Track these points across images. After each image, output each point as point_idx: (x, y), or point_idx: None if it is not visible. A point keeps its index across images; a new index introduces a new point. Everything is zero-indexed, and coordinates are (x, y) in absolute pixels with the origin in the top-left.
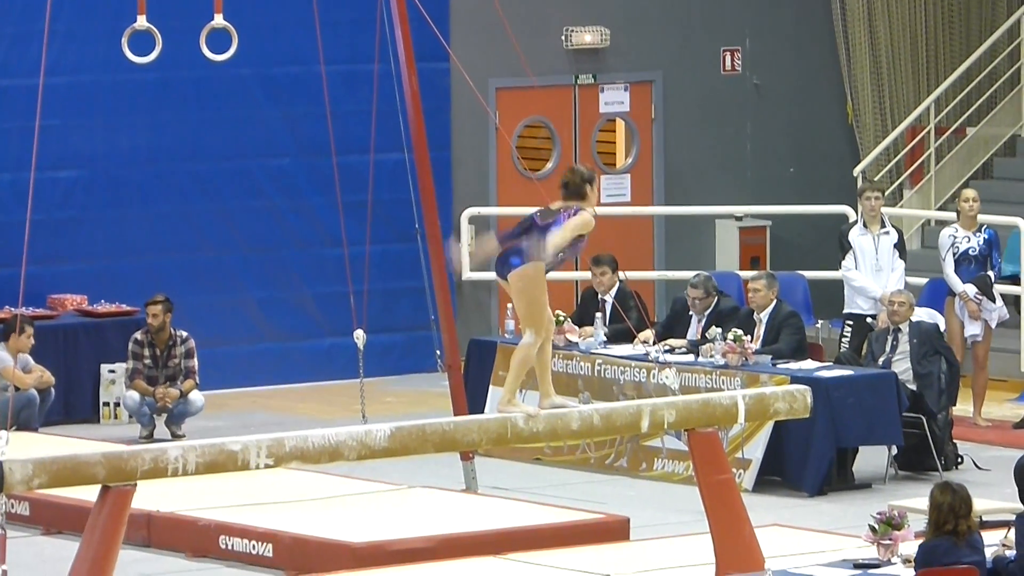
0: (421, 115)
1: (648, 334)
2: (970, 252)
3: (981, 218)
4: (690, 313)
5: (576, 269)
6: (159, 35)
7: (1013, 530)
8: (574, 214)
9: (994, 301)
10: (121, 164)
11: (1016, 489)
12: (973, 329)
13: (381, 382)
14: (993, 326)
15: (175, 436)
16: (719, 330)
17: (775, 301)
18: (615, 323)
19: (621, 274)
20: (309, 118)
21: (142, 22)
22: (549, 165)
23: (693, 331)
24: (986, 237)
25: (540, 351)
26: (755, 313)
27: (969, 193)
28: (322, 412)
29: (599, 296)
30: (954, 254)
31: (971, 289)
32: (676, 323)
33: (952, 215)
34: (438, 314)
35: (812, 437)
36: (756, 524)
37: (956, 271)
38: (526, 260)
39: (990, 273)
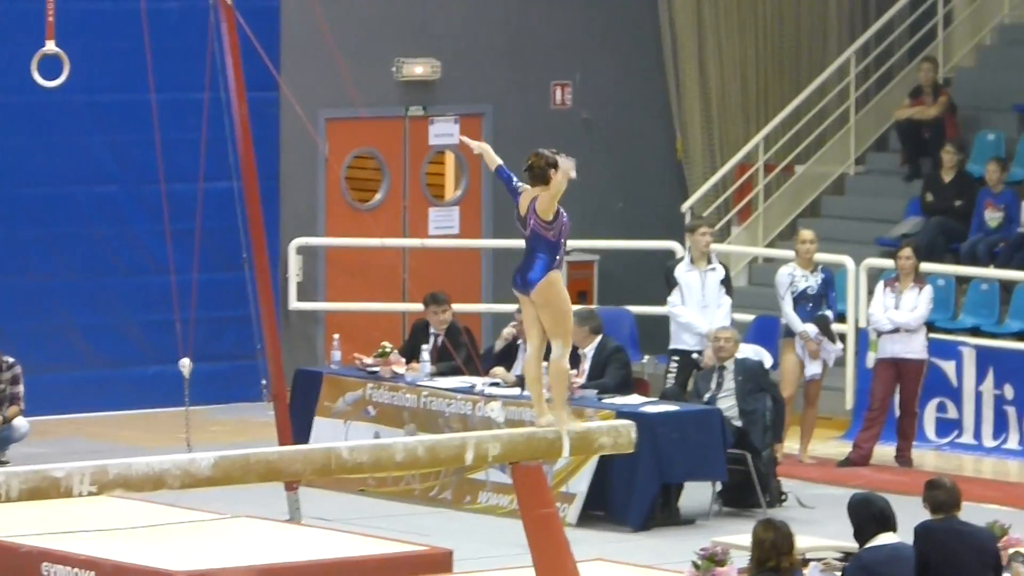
0: (250, 144)
1: (501, 371)
2: (808, 291)
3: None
4: (517, 343)
5: (404, 300)
6: None
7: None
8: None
9: (834, 341)
10: None
11: (846, 527)
12: (814, 368)
13: (206, 411)
14: (831, 365)
15: None
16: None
17: (599, 336)
18: (445, 359)
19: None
20: (137, 146)
21: None
22: (378, 196)
23: (519, 365)
24: (823, 276)
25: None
26: (579, 348)
27: (807, 234)
28: (147, 440)
29: (429, 329)
30: (792, 293)
31: (812, 329)
32: (503, 356)
33: (779, 252)
34: (264, 343)
35: (637, 472)
36: (579, 558)
37: (794, 309)
38: (546, 268)
39: (828, 312)
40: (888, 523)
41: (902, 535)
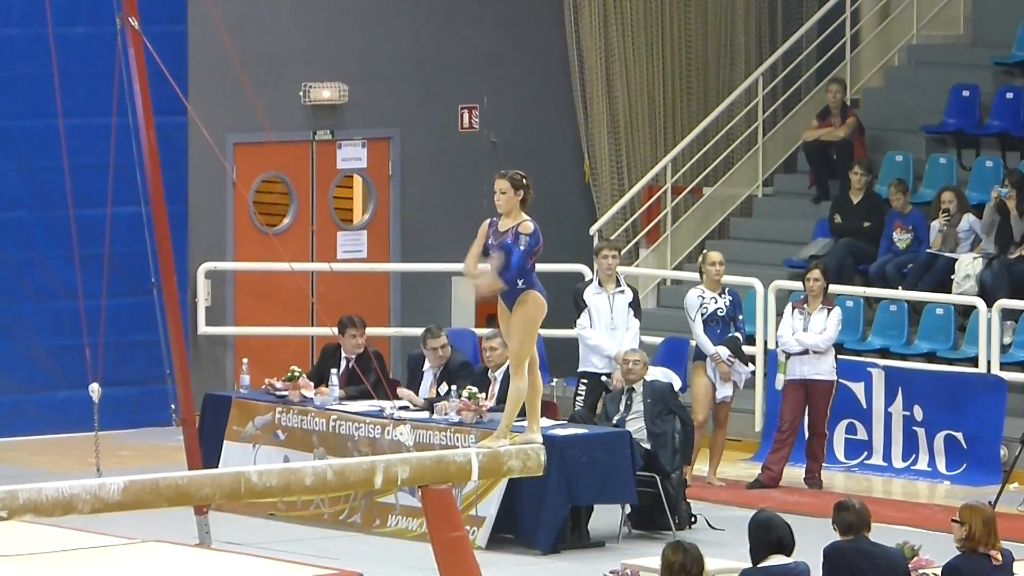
0: (158, 169)
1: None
2: (718, 313)
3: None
4: (423, 369)
5: (312, 324)
6: None
7: None
8: (514, 229)
9: (745, 364)
10: None
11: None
12: (725, 391)
13: (116, 435)
14: (741, 387)
15: None
16: (454, 387)
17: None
18: (354, 383)
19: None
20: (46, 171)
21: None
22: (286, 220)
23: (427, 388)
24: (731, 299)
25: (531, 385)
26: (490, 371)
27: (715, 256)
28: (56, 465)
29: (340, 352)
30: (703, 315)
31: (723, 351)
32: (411, 380)
33: (687, 275)
34: (173, 368)
35: (546, 495)
36: None
37: (704, 331)
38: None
39: (738, 334)
40: (785, 549)
41: (812, 556)
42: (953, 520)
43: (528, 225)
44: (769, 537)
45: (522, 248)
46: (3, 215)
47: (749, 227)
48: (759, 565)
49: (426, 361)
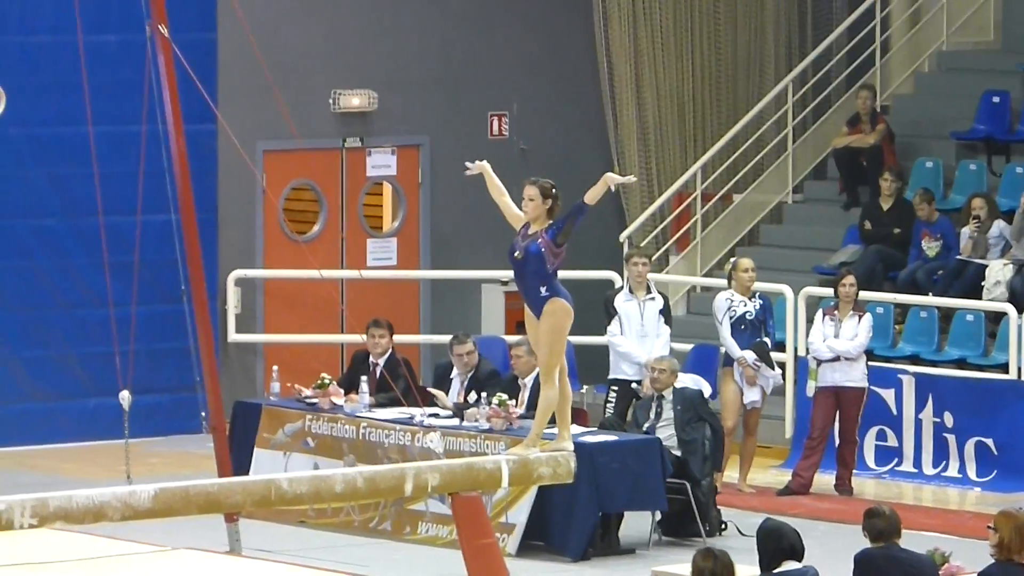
0: (188, 176)
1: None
2: (747, 317)
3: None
4: (451, 377)
5: (342, 332)
6: None
7: None
8: (546, 232)
9: (772, 368)
10: None
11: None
12: (752, 396)
13: (146, 443)
14: (768, 392)
15: None
16: (484, 395)
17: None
18: (384, 390)
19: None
20: (76, 179)
21: None
22: (316, 228)
23: (455, 395)
24: (761, 303)
25: (561, 393)
26: (519, 378)
27: (746, 263)
28: (87, 472)
29: (370, 359)
30: (731, 318)
31: (750, 355)
32: (440, 388)
33: (717, 282)
34: (203, 375)
35: (576, 502)
36: None
37: (731, 336)
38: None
39: (766, 339)
40: (796, 555)
41: (843, 564)
42: (988, 527)
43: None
44: (782, 544)
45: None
46: (34, 222)
47: (779, 234)
48: (774, 571)
49: (453, 369)
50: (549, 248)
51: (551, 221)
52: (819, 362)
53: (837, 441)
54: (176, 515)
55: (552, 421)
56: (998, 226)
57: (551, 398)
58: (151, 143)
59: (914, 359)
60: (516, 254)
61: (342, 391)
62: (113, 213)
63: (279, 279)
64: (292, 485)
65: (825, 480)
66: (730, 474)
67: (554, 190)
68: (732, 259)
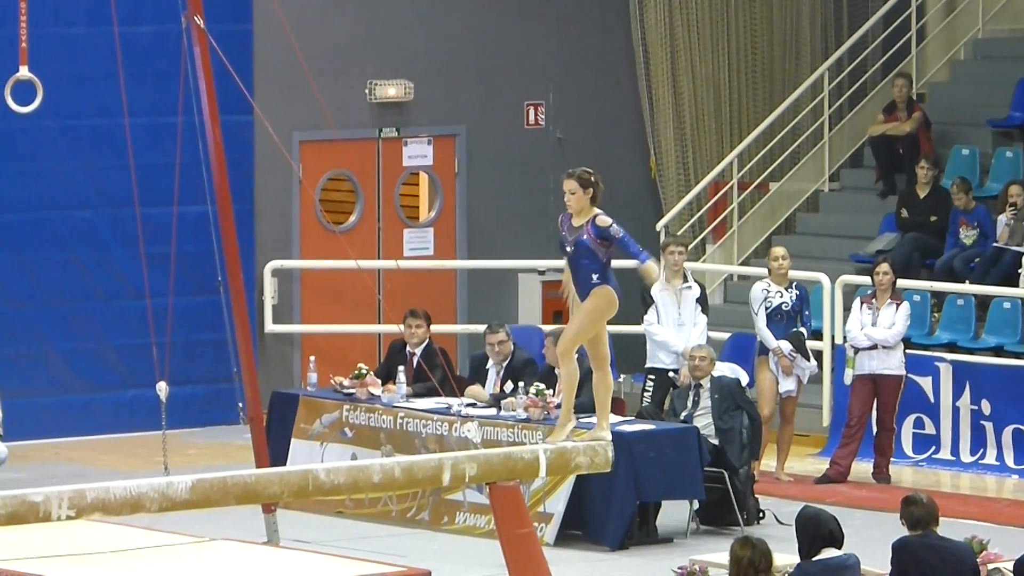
0: (224, 168)
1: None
2: (783, 307)
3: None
4: (486, 367)
5: (379, 322)
6: None
7: None
8: (590, 224)
9: (808, 359)
10: None
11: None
12: (788, 385)
13: (183, 434)
14: (805, 382)
15: None
16: (521, 384)
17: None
18: (421, 380)
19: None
20: (113, 170)
21: None
22: (352, 218)
23: (491, 385)
24: (798, 293)
25: (602, 383)
26: (555, 368)
27: (779, 251)
28: (124, 464)
29: (407, 349)
30: (766, 308)
31: (785, 346)
32: (476, 378)
33: (754, 270)
34: (240, 366)
35: (614, 491)
36: None
37: (767, 326)
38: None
39: (802, 329)
40: (836, 542)
41: (881, 551)
42: None
43: (604, 219)
44: (821, 531)
45: (620, 235)
46: (70, 214)
47: (816, 222)
48: (814, 559)
49: (488, 359)
50: (595, 242)
51: (595, 212)
52: (856, 350)
53: (874, 429)
54: (213, 506)
55: (591, 408)
56: None
57: (571, 373)
58: (187, 134)
59: (951, 347)
60: (567, 248)
61: (379, 381)
62: (150, 205)
63: (316, 270)
64: (330, 475)
65: (863, 468)
66: (767, 462)
67: (592, 177)
68: (771, 248)
